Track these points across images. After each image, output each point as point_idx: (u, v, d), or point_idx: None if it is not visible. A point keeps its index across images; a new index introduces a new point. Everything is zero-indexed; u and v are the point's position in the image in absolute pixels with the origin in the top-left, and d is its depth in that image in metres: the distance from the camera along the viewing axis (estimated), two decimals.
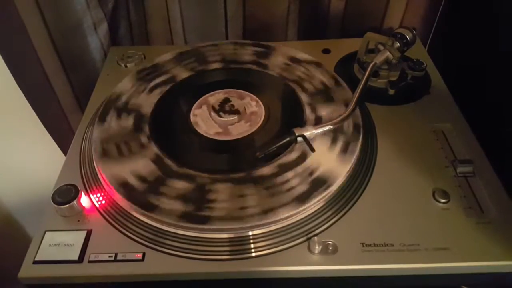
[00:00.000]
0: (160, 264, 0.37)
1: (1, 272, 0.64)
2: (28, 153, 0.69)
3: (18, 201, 0.71)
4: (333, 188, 0.41)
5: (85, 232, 0.39)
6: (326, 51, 0.61)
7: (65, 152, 0.68)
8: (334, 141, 0.45)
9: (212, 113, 0.49)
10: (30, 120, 0.65)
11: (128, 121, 0.49)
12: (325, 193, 0.40)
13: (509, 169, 0.44)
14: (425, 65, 0.54)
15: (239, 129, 0.48)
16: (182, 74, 0.55)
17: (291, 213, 0.39)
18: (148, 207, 0.39)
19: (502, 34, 0.53)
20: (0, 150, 0.66)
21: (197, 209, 0.39)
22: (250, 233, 0.39)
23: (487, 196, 0.41)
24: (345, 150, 0.44)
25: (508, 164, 0.45)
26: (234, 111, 0.50)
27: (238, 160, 0.46)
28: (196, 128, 0.48)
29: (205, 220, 0.38)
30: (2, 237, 0.69)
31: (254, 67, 0.56)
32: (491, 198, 0.41)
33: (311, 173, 0.42)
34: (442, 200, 0.41)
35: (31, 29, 0.57)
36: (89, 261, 0.37)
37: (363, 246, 0.38)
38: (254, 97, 0.52)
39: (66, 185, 0.42)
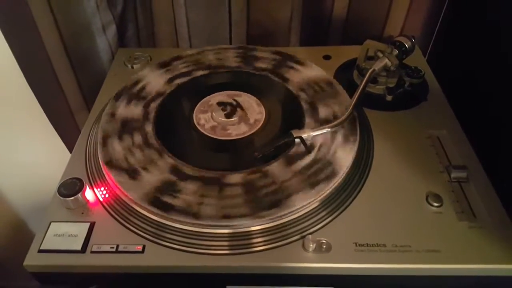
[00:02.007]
0: (159, 257, 0.38)
1: (6, 266, 0.66)
2: (34, 150, 0.70)
3: (23, 197, 0.72)
4: (329, 188, 0.42)
5: (88, 224, 0.40)
6: (327, 57, 0.62)
7: (70, 150, 0.69)
8: (331, 143, 0.47)
9: (214, 114, 0.51)
10: (38, 117, 0.66)
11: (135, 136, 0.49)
12: (321, 192, 0.42)
13: (503, 176, 0.45)
14: (423, 72, 0.55)
15: (241, 129, 0.50)
16: (188, 76, 0.57)
17: (284, 212, 0.40)
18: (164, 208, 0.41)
19: (502, 44, 0.54)
20: (7, 146, 0.67)
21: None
22: (250, 229, 0.40)
23: (480, 202, 0.42)
24: (341, 152, 0.45)
25: (502, 170, 0.46)
26: (235, 112, 0.51)
27: (239, 159, 0.47)
28: (199, 128, 0.50)
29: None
30: (7, 233, 0.70)
31: (255, 71, 0.58)
32: (484, 204, 0.42)
33: (309, 171, 0.43)
34: (435, 204, 0.42)
35: (43, 29, 0.59)
36: (92, 252, 0.39)
37: (356, 245, 0.39)
38: (255, 98, 0.54)
39: (72, 178, 0.43)
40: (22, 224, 0.75)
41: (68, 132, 0.69)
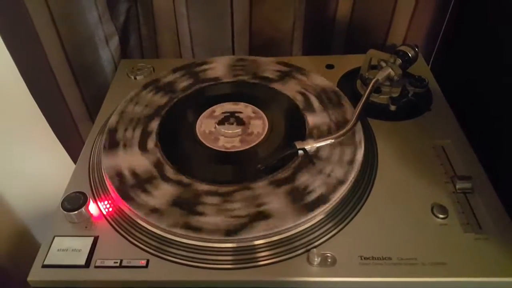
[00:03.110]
0: (163, 272, 0.38)
1: (10, 276, 0.66)
2: (39, 161, 0.70)
3: (28, 207, 0.72)
4: (333, 200, 0.42)
5: (92, 238, 0.40)
6: (329, 66, 0.62)
7: (74, 160, 0.70)
8: (335, 154, 0.46)
9: (217, 124, 0.51)
10: (41, 128, 0.67)
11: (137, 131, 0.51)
12: (324, 206, 0.41)
13: (508, 186, 0.44)
14: (426, 81, 0.55)
15: (243, 141, 0.49)
16: (194, 84, 0.58)
17: (291, 224, 0.40)
18: (129, 200, 0.42)
19: (505, 52, 0.54)
20: (11, 157, 0.68)
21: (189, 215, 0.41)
22: (254, 243, 0.40)
23: (486, 213, 0.42)
24: (346, 163, 0.45)
25: (507, 181, 0.46)
26: (238, 124, 0.51)
27: (236, 171, 0.47)
28: (202, 140, 0.50)
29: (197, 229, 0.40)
30: (12, 243, 0.70)
31: (260, 81, 0.58)
32: (489, 215, 0.42)
33: (312, 185, 0.43)
34: (441, 216, 0.41)
35: (46, 41, 0.59)
36: (95, 267, 0.38)
37: (361, 259, 0.39)
38: (257, 109, 0.54)
39: (75, 192, 0.43)
40: (27, 232, 0.75)
41: (72, 143, 0.70)
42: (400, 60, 0.53)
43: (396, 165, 0.47)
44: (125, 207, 0.42)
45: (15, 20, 0.56)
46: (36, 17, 0.57)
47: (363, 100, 0.50)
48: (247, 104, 0.55)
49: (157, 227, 0.41)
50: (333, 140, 0.47)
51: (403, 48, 0.54)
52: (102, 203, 0.44)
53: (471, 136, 0.50)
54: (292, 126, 0.52)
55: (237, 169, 0.47)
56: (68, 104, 0.66)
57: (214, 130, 0.51)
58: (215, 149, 0.49)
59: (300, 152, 0.45)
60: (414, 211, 0.42)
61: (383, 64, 0.53)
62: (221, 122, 0.51)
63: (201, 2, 0.63)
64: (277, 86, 0.57)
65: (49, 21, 0.58)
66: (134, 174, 0.45)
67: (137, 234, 0.41)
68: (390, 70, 0.52)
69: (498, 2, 0.55)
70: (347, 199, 0.43)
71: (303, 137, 0.48)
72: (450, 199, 0.43)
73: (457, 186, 0.44)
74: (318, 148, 0.47)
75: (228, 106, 0.54)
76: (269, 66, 0.60)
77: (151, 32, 0.69)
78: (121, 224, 0.42)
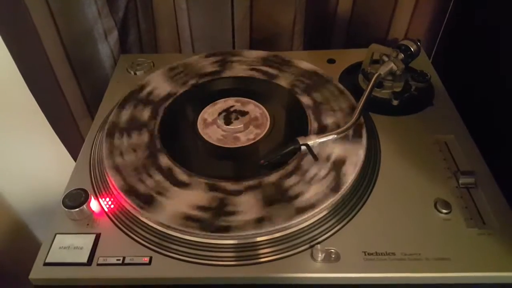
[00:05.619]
0: (166, 268, 0.38)
1: (11, 274, 0.65)
2: (38, 158, 0.70)
3: (29, 205, 0.72)
4: (337, 196, 0.42)
5: (94, 235, 0.40)
6: (331, 61, 0.62)
7: (74, 157, 0.69)
8: (338, 149, 0.46)
9: (219, 122, 0.50)
10: (41, 125, 0.66)
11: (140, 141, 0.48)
12: (327, 202, 0.41)
13: (511, 181, 0.44)
14: (429, 76, 0.55)
15: (246, 137, 0.49)
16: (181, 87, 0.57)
17: (293, 221, 0.40)
18: (131, 196, 0.41)
19: (506, 47, 0.53)
20: (11, 154, 0.67)
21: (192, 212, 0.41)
22: (256, 239, 0.40)
23: (489, 208, 0.42)
24: (348, 158, 0.45)
25: (510, 176, 0.46)
26: (240, 119, 0.51)
27: (245, 167, 0.47)
28: (203, 135, 0.49)
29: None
30: (12, 240, 0.70)
31: (261, 76, 0.58)
32: (492, 210, 0.42)
33: (316, 179, 0.43)
34: (444, 211, 0.41)
35: (44, 36, 0.58)
36: (98, 264, 0.38)
37: (365, 254, 0.38)
38: (259, 104, 0.53)
39: (77, 189, 0.43)
40: (27, 230, 0.75)
41: (71, 139, 0.69)
42: (402, 55, 0.53)
43: (399, 160, 0.47)
44: (127, 203, 0.42)
45: (13, 14, 0.56)
46: (35, 12, 0.56)
47: (365, 95, 0.50)
48: (248, 99, 0.54)
49: (159, 224, 0.40)
50: (335, 136, 0.47)
51: (405, 42, 0.54)
52: (104, 200, 0.43)
53: (474, 130, 0.50)
54: (295, 121, 0.51)
55: (239, 165, 0.47)
56: (68, 100, 0.66)
57: (216, 127, 0.50)
58: (217, 145, 0.48)
59: (303, 147, 0.45)
60: (417, 207, 0.42)
61: (385, 58, 0.53)
62: (222, 119, 0.51)
63: None
64: (279, 81, 0.56)
65: (47, 16, 0.57)
66: (135, 170, 0.45)
67: (139, 231, 0.41)
68: (392, 64, 0.52)
69: None
70: (350, 195, 0.43)
71: (305, 133, 0.48)
72: (453, 194, 0.43)
73: (460, 181, 0.44)
74: (321, 144, 0.46)
75: (230, 102, 0.54)
76: (268, 60, 0.60)
77: (150, 27, 0.69)
78: (123, 221, 0.41)
